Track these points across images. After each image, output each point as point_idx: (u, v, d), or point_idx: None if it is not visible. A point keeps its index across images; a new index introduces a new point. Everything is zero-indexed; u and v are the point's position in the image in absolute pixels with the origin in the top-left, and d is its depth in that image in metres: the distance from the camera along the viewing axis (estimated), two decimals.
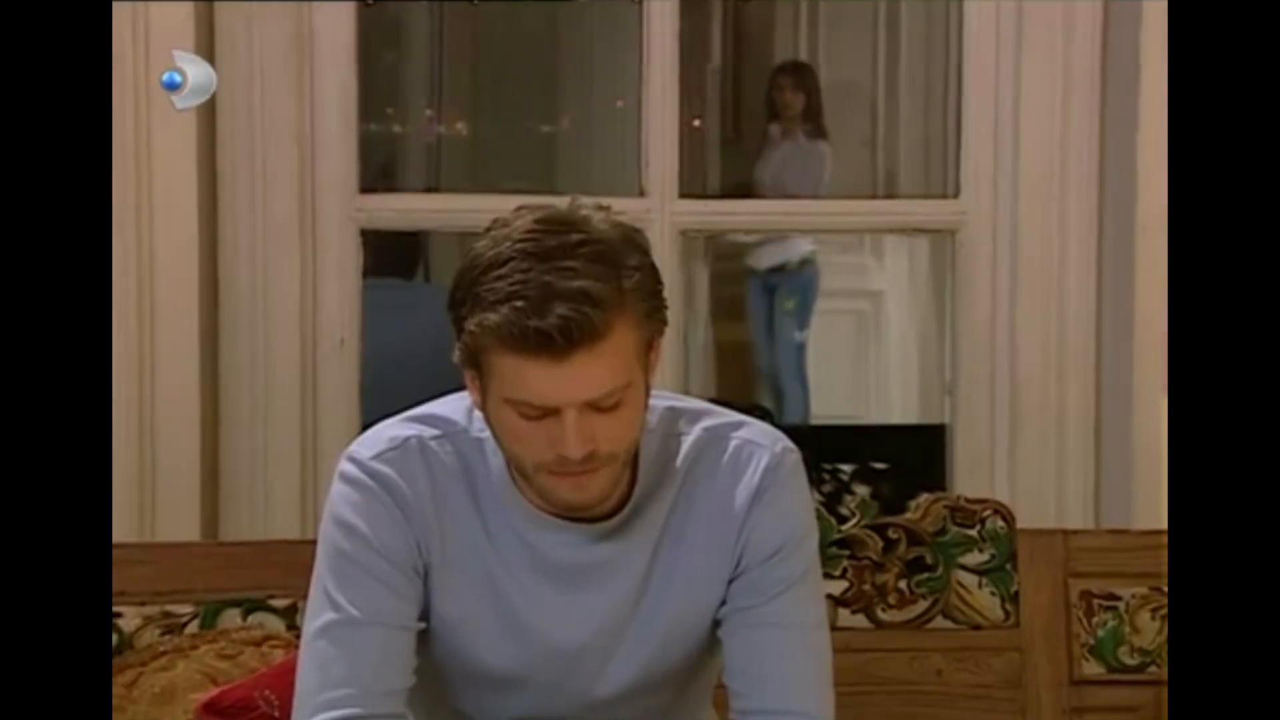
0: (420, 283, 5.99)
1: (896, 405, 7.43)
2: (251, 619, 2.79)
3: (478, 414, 2.02)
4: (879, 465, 4.83)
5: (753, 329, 7.35)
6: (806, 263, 7.05)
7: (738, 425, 2.12)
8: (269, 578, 2.80)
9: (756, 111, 7.49)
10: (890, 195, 7.36)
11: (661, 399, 2.09)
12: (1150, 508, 3.29)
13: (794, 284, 7.12)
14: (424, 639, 2.07)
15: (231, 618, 2.79)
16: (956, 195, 3.50)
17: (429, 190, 7.31)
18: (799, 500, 2.12)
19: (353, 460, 2.05)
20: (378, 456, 2.04)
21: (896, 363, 7.54)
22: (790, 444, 2.13)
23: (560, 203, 1.97)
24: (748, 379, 7.41)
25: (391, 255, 4.73)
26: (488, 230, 1.94)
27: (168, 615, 2.77)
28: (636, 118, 3.46)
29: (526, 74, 7.37)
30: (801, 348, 7.18)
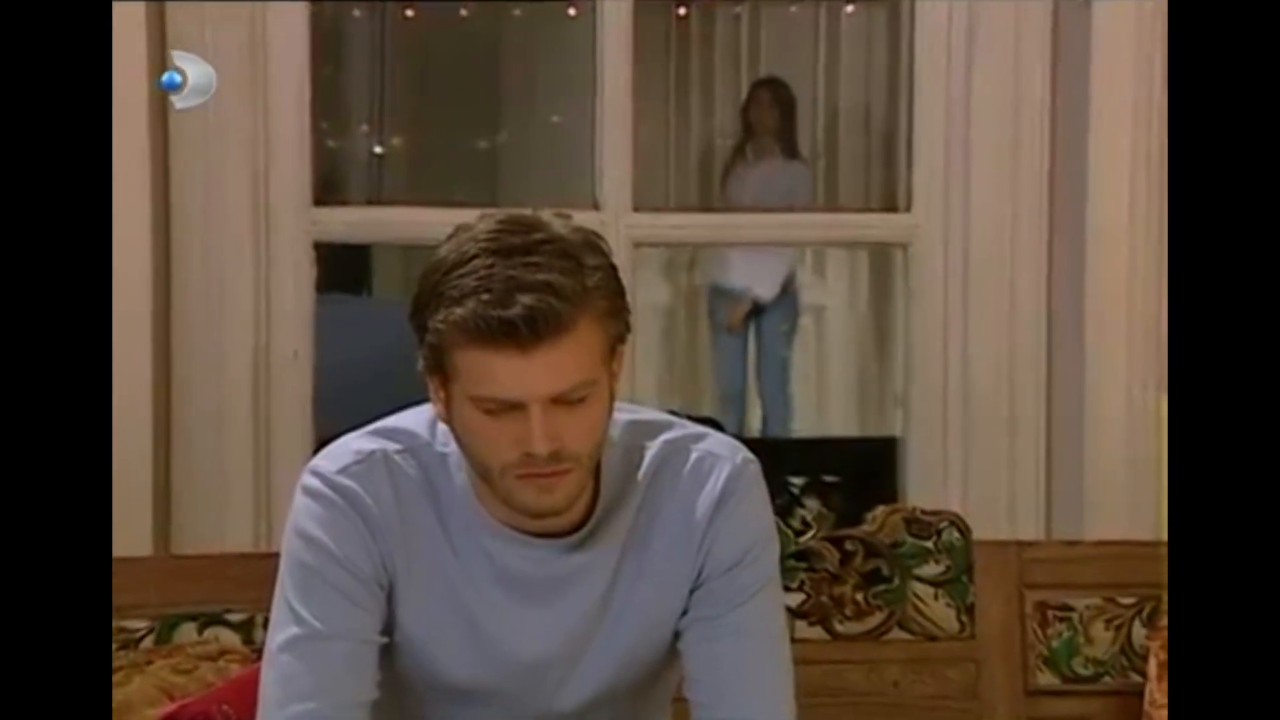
0: (365, 297, 5.99)
1: (837, 419, 7.45)
2: (207, 633, 2.77)
3: (441, 428, 2.02)
4: (829, 478, 4.84)
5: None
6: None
7: (699, 437, 2.12)
8: (224, 592, 2.78)
9: (710, 125, 7.53)
10: (834, 209, 7.37)
11: (623, 413, 2.08)
12: (1101, 517, 3.31)
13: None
14: (388, 652, 2.05)
15: (187, 632, 2.77)
16: (909, 209, 3.52)
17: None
18: (760, 510, 2.12)
19: (316, 474, 2.04)
20: (342, 470, 2.03)
21: (839, 377, 7.56)
22: (750, 455, 2.13)
23: (521, 211, 1.98)
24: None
25: (338, 270, 4.72)
26: (451, 236, 1.94)
27: (122, 630, 2.75)
28: (590, 129, 3.46)
29: (467, 88, 7.37)
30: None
